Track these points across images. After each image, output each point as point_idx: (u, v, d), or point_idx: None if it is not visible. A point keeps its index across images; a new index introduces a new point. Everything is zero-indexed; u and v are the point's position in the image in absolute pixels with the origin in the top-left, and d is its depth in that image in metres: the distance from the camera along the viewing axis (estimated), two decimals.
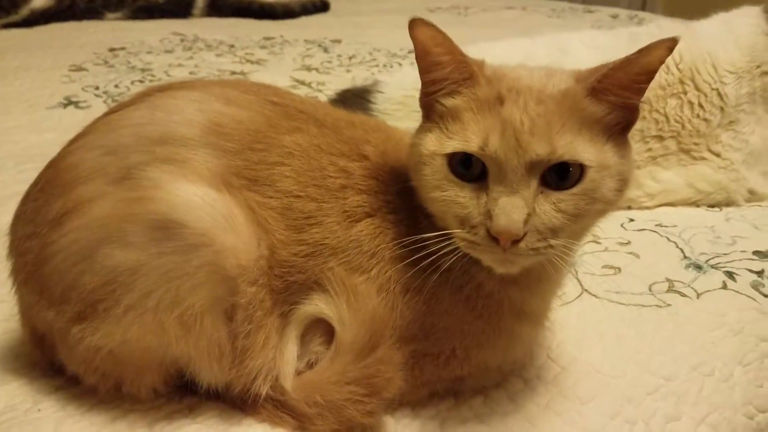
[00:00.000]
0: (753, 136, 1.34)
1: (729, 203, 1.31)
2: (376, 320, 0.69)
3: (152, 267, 0.66)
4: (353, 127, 0.77)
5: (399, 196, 0.73)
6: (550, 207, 0.63)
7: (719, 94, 1.32)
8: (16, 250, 0.75)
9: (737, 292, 0.99)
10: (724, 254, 1.09)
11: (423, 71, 0.69)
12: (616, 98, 0.65)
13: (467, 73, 0.67)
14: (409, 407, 0.75)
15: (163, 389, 0.74)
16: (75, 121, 1.67)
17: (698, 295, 0.98)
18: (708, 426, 0.79)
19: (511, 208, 0.61)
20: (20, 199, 0.78)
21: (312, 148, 0.74)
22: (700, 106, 1.31)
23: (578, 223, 0.65)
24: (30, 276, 0.73)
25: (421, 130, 0.71)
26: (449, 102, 0.68)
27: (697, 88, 1.32)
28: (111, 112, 0.80)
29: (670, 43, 0.63)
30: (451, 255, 0.66)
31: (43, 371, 0.80)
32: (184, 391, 0.76)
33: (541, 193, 0.63)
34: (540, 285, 0.74)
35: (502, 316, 0.73)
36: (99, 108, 1.77)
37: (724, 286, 1.00)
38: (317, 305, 0.71)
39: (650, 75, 0.65)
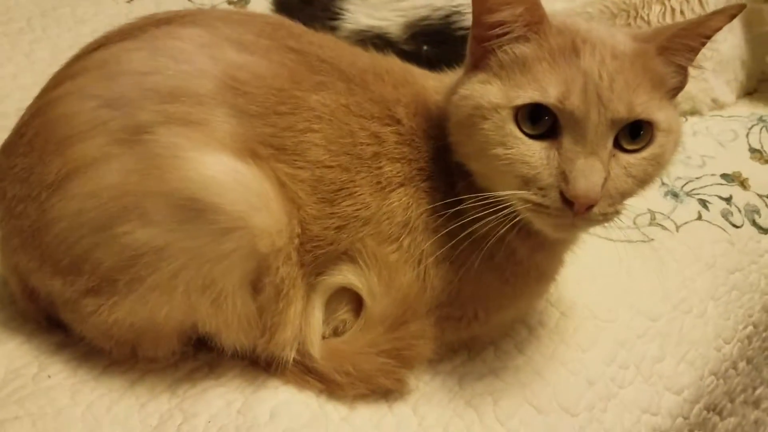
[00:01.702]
0: (724, 44, 1.34)
1: (694, 112, 1.34)
2: (409, 296, 0.69)
3: (180, 249, 0.61)
4: (381, 82, 0.71)
5: (432, 161, 0.70)
6: (621, 171, 0.61)
7: (700, 1, 1.30)
8: (6, 211, 0.68)
9: (710, 222, 1.04)
10: (697, 178, 1.13)
11: (485, 11, 0.62)
12: (682, 59, 0.64)
13: (538, 16, 0.61)
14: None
15: (180, 348, 0.72)
16: None
17: (677, 228, 1.02)
18: (687, 363, 0.86)
19: (591, 170, 0.58)
20: (1, 148, 0.70)
21: (340, 109, 0.68)
22: (682, 12, 1.29)
23: (642, 188, 0.64)
24: (27, 242, 0.66)
25: (474, 80, 0.64)
26: (517, 49, 0.62)
27: None
28: (99, 45, 0.70)
29: (736, 10, 0.62)
30: (493, 218, 0.63)
31: (37, 324, 0.76)
32: (198, 344, 0.74)
33: (613, 156, 0.61)
34: (564, 247, 0.75)
35: (528, 281, 0.74)
36: None
37: (699, 217, 1.05)
38: (346, 276, 0.69)
39: (711, 37, 0.64)
